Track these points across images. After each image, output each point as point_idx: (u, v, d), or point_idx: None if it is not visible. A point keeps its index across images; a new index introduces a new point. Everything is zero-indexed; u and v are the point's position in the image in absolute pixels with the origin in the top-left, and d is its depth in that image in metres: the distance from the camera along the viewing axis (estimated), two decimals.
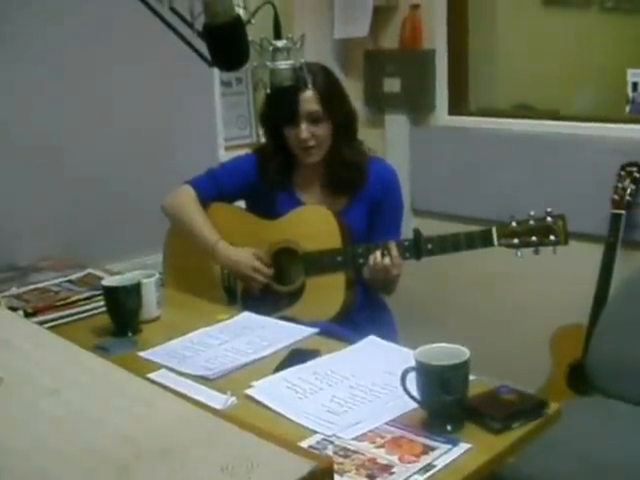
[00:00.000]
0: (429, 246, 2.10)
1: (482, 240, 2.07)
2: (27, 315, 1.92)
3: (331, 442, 1.34)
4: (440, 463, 1.26)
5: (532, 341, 2.92)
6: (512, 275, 2.98)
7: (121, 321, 1.89)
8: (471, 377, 1.39)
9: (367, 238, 2.22)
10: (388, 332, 2.17)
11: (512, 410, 1.39)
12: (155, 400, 1.08)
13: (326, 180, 2.29)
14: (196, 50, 1.61)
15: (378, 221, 2.27)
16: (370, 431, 1.37)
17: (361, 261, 2.14)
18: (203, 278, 2.34)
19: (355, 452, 1.31)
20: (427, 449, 1.30)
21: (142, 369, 1.61)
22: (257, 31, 1.65)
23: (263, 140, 2.41)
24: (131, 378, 1.16)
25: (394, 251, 2.10)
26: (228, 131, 3.22)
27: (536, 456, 1.88)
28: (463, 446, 1.31)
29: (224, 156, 2.98)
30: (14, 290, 2.12)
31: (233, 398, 1.51)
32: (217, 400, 1.49)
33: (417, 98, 3.36)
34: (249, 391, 1.54)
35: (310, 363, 1.65)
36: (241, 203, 2.42)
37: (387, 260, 2.09)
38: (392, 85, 3.37)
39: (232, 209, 2.38)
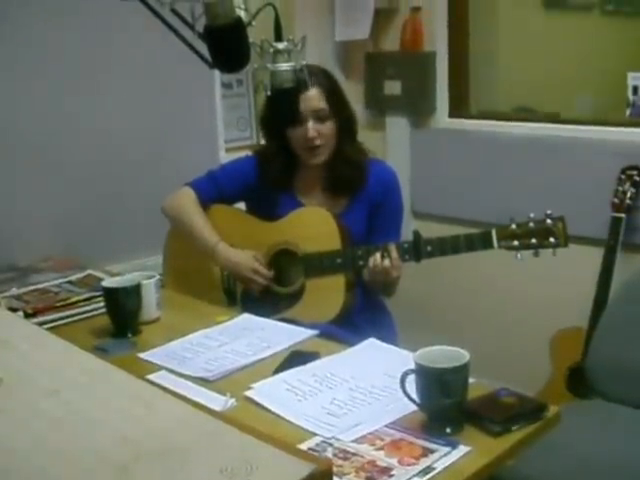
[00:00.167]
0: (429, 248, 2.10)
1: (482, 242, 2.07)
2: (27, 316, 1.92)
3: (330, 444, 1.34)
4: (439, 466, 1.26)
5: (532, 344, 2.92)
6: (512, 277, 2.98)
7: (121, 322, 1.89)
8: (471, 380, 1.38)
9: (367, 240, 2.22)
10: (388, 334, 2.17)
11: (512, 413, 1.39)
12: (155, 401, 1.08)
13: (327, 182, 2.29)
14: (197, 52, 1.61)
15: (378, 223, 2.28)
16: (370, 433, 1.37)
17: (361, 263, 2.14)
18: (203, 280, 2.34)
19: (354, 454, 1.31)
20: (426, 452, 1.30)
21: (142, 370, 1.61)
22: (258, 33, 1.65)
23: (263, 142, 2.41)
24: (131, 379, 1.16)
25: (394, 253, 2.10)
26: (228, 133, 3.23)
27: (535, 459, 1.88)
28: (462, 449, 1.31)
29: (224, 158, 2.98)
30: (14, 291, 2.12)
31: (233, 400, 1.51)
32: (217, 402, 1.49)
33: (418, 101, 3.36)
34: (249, 393, 1.53)
35: (310, 365, 1.65)
36: (241, 205, 2.42)
37: (387, 262, 2.09)
38: (393, 87, 3.37)
39: (232, 211, 2.39)
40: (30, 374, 1.18)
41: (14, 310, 1.92)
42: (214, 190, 2.33)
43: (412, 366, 1.37)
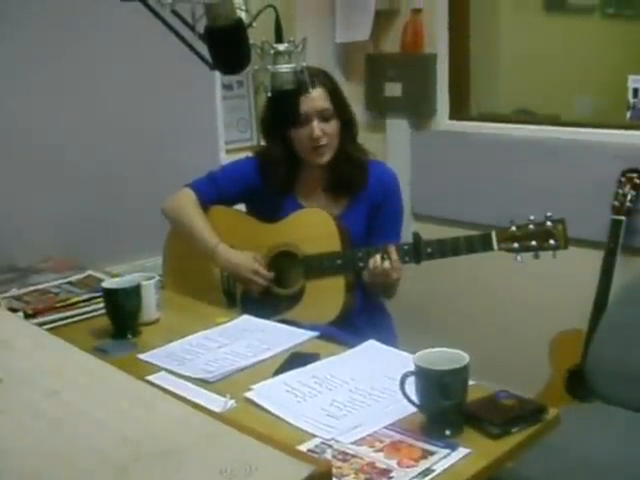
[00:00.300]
0: (429, 250, 2.10)
1: (482, 244, 2.07)
2: (27, 316, 1.92)
3: (330, 446, 1.34)
4: (439, 468, 1.26)
5: (531, 346, 2.92)
6: (512, 280, 2.98)
7: (121, 323, 1.89)
8: (470, 382, 1.39)
9: (367, 241, 2.22)
10: (388, 336, 2.17)
11: (511, 415, 1.39)
12: (154, 402, 1.08)
13: (328, 183, 2.29)
14: (197, 53, 1.61)
15: (378, 224, 2.28)
16: (369, 435, 1.37)
17: (361, 265, 2.14)
18: (203, 281, 2.34)
19: (354, 456, 1.30)
20: (426, 453, 1.30)
21: (141, 371, 1.61)
22: (258, 34, 1.65)
23: (263, 143, 2.41)
24: (130, 380, 1.17)
25: (394, 255, 2.10)
26: (229, 134, 3.23)
27: (535, 461, 1.88)
28: (462, 451, 1.31)
29: (225, 159, 2.99)
30: (14, 291, 2.12)
31: (232, 401, 1.51)
32: (216, 403, 1.49)
33: (418, 102, 3.36)
34: (248, 394, 1.53)
35: (309, 367, 1.65)
36: (241, 206, 2.42)
37: (387, 264, 2.09)
38: (393, 89, 3.37)
39: (232, 212, 2.39)
40: (30, 374, 1.18)
41: (14, 311, 1.92)
42: (214, 191, 2.33)
43: (412, 368, 1.37)
